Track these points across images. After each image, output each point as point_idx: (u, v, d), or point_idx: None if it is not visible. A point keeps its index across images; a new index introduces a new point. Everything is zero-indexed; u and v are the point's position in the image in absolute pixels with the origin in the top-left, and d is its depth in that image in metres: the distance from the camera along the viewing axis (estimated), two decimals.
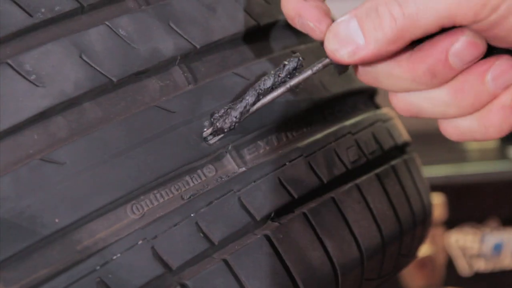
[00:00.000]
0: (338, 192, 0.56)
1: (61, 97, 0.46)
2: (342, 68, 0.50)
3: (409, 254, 0.64)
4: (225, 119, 0.51)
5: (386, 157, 0.62)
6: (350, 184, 0.58)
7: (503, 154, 2.16)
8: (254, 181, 0.53)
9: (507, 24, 0.46)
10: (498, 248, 2.11)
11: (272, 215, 0.53)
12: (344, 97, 0.61)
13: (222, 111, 0.51)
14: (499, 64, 0.48)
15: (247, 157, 0.53)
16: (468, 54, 0.47)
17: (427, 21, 0.46)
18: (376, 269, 0.60)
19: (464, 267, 2.13)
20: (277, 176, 0.54)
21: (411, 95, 0.50)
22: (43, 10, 0.47)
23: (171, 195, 0.49)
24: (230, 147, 0.52)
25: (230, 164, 0.52)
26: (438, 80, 0.48)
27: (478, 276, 2.10)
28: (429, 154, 2.10)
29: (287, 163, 0.55)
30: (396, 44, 0.47)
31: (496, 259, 2.11)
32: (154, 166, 0.49)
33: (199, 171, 0.51)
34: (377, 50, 0.47)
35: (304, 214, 0.54)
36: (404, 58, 0.48)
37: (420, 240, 0.66)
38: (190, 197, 0.50)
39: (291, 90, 0.51)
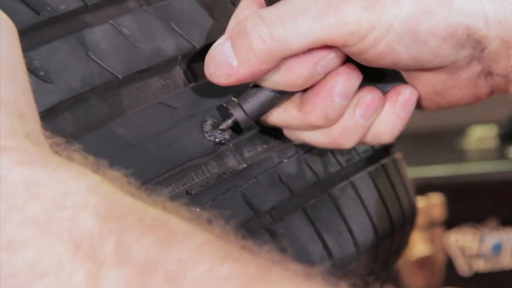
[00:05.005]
0: (334, 189, 0.58)
1: (69, 93, 0.47)
2: (247, 126, 0.51)
3: (399, 252, 0.65)
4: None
5: (376, 156, 0.64)
6: (345, 182, 0.59)
7: (503, 154, 2.16)
8: (255, 177, 0.54)
9: (375, 51, 0.48)
10: (497, 248, 2.11)
11: (273, 210, 0.54)
12: None
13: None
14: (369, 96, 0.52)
15: (247, 154, 0.54)
16: (350, 89, 0.51)
17: (296, 44, 0.47)
18: (369, 266, 0.61)
19: (463, 267, 2.13)
20: (277, 172, 0.55)
21: (311, 135, 0.53)
22: (49, 8, 0.48)
23: (177, 191, 0.50)
24: (231, 145, 0.53)
25: (231, 161, 0.53)
26: (332, 121, 0.51)
27: (478, 276, 2.11)
28: (428, 154, 2.11)
29: (285, 160, 0.56)
30: (268, 64, 0.48)
31: (496, 259, 2.11)
32: (161, 161, 0.50)
33: (203, 167, 0.52)
34: (250, 71, 0.48)
35: (304, 209, 0.55)
36: (295, 110, 0.52)
37: (407, 239, 0.67)
38: (195, 193, 0.51)
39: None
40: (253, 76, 0.49)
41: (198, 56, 0.54)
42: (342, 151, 0.60)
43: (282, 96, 0.51)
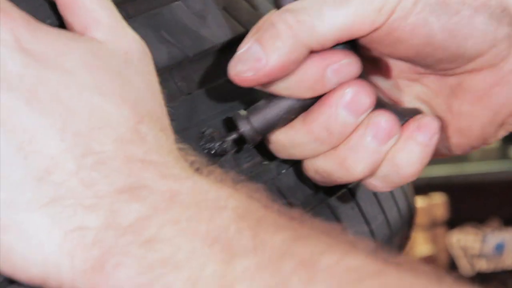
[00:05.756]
0: (332, 198, 0.56)
1: None
2: (253, 141, 0.50)
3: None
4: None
5: None
6: (343, 190, 0.58)
7: (505, 154, 2.17)
8: None
9: (406, 26, 0.47)
10: (499, 248, 2.11)
11: None
12: None
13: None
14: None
15: (245, 165, 0.53)
16: (359, 105, 0.49)
17: (323, 30, 0.47)
18: None
19: (465, 267, 2.13)
20: (275, 184, 0.53)
21: (319, 161, 0.51)
22: None
23: None
24: (229, 156, 0.52)
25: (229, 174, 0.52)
26: (336, 136, 0.49)
27: (480, 276, 2.11)
28: None
29: (283, 171, 0.55)
30: (296, 53, 0.47)
31: (498, 259, 2.12)
32: None
33: None
34: (279, 62, 0.47)
35: None
36: (299, 123, 0.50)
37: (405, 242, 0.66)
38: None
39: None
40: (282, 68, 0.47)
41: (192, 65, 0.53)
42: None
43: (291, 110, 0.50)
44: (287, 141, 0.51)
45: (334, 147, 0.50)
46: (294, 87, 0.48)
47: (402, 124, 0.50)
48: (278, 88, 0.49)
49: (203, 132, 0.51)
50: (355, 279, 0.37)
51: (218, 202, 0.40)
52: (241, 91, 0.55)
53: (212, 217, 0.40)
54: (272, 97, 0.50)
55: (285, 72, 0.48)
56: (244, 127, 0.50)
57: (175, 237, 0.39)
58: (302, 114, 0.50)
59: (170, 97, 0.51)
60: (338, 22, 0.46)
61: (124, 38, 0.45)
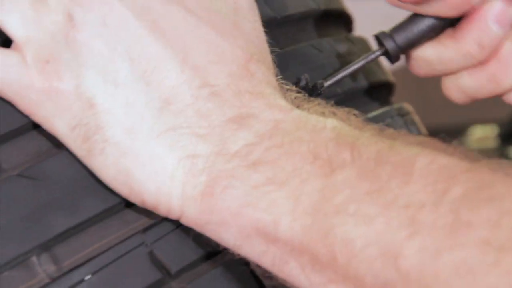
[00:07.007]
0: None
1: None
2: (396, 57, 0.54)
3: None
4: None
5: None
6: None
7: (503, 155, 2.17)
8: None
9: None
10: None
11: None
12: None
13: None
14: None
15: None
16: (506, 16, 0.51)
17: None
18: None
19: None
20: None
21: (464, 78, 0.53)
22: None
23: None
24: None
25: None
26: (487, 50, 0.52)
27: None
28: None
29: None
30: None
31: None
32: None
33: None
34: None
35: None
36: (448, 39, 0.52)
37: None
38: None
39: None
40: None
41: (278, 26, 0.56)
42: None
43: (433, 29, 0.53)
44: (435, 56, 0.54)
45: (482, 64, 0.53)
46: (441, 6, 0.51)
47: None
48: (425, 8, 0.52)
49: (298, 80, 0.54)
50: (449, 176, 0.40)
51: (317, 125, 0.43)
52: (322, 55, 0.58)
53: (312, 138, 0.43)
54: (414, 17, 0.53)
55: None
56: (389, 44, 0.54)
57: (278, 158, 0.42)
58: (451, 31, 0.53)
59: None
60: None
61: None
